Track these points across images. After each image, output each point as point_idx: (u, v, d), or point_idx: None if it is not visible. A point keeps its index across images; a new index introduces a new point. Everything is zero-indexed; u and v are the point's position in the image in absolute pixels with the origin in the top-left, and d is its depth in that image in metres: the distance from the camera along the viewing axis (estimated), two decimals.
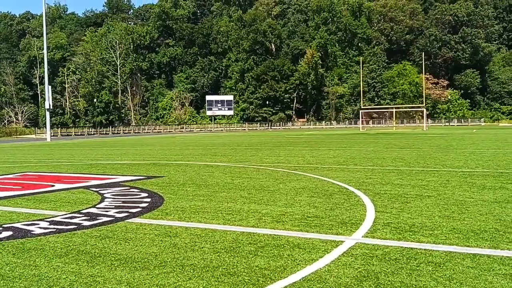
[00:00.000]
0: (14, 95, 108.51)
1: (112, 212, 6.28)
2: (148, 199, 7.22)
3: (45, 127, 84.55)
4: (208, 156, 16.63)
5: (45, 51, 39.37)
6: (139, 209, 6.42)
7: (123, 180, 9.80)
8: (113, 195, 7.73)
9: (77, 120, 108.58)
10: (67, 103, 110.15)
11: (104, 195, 7.73)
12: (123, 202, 7.04)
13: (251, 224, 5.43)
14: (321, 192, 7.72)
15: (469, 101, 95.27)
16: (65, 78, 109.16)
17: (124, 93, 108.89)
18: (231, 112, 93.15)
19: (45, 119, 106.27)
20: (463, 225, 5.26)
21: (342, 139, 30.31)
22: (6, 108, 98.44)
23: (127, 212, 6.25)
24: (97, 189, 8.40)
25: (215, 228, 5.25)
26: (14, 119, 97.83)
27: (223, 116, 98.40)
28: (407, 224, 5.36)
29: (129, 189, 8.40)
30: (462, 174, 9.85)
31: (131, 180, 9.71)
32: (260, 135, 45.67)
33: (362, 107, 71.00)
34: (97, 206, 6.77)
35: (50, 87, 39.19)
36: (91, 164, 14.15)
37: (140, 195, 7.68)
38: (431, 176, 9.61)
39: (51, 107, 39.30)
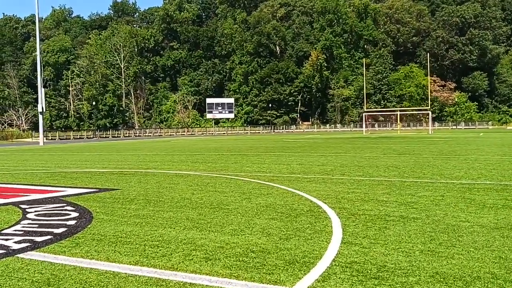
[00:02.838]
0: (18, 98, 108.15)
1: (12, 241, 5.02)
2: (72, 222, 5.95)
3: (47, 131, 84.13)
4: (188, 163, 15.37)
5: (38, 52, 38.37)
6: (48, 237, 5.15)
7: (69, 194, 8.54)
8: (37, 214, 6.48)
9: (81, 123, 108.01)
10: (71, 106, 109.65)
11: (27, 215, 6.47)
12: (40, 225, 5.78)
13: (171, 264, 4.14)
14: (287, 212, 6.42)
15: (477, 103, 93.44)
16: (69, 81, 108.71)
17: (128, 96, 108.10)
18: (231, 115, 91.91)
19: (47, 122, 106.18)
20: (450, 267, 3.94)
21: (341, 143, 28.93)
22: (9, 111, 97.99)
23: (31, 241, 4.99)
24: (27, 206, 7.15)
25: (118, 271, 3.96)
26: (18, 122, 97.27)
27: (227, 119, 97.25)
28: (377, 264, 4.05)
29: (64, 206, 7.15)
30: (461, 188, 8.50)
31: (78, 194, 8.45)
32: (259, 139, 44.37)
33: (365, 110, 69.41)
34: (3, 231, 5.52)
35: (43, 89, 38.16)
36: (54, 172, 12.94)
37: (69, 215, 6.41)
38: (424, 190, 8.27)
39: (44, 110, 38.25)
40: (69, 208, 6.98)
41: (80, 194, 8.49)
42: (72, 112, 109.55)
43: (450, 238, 4.90)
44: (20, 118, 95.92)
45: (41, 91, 37.65)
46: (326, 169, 12.40)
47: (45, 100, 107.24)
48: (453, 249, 4.50)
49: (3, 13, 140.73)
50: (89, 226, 5.74)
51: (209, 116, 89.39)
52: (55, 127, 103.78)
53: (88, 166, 14.77)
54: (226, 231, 5.37)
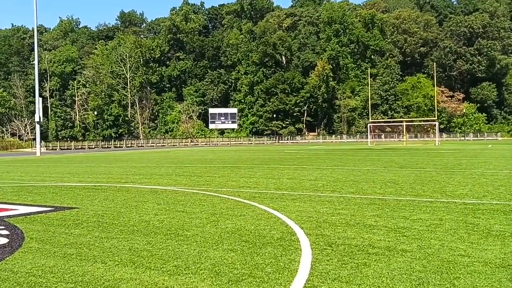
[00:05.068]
0: (24, 108, 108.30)
1: None
2: None
3: (52, 141, 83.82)
4: (172, 176, 14.38)
5: (36, 60, 37.81)
6: None
7: (19, 213, 7.59)
8: None
9: (86, 133, 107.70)
10: (77, 116, 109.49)
11: None
12: None
13: None
14: (252, 241, 5.40)
15: (486, 114, 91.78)
16: (75, 91, 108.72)
17: (134, 107, 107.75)
18: (235, 126, 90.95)
19: (53, 132, 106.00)
20: None
21: (342, 155, 27.82)
22: (15, 121, 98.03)
23: None
24: None
25: None
26: (23, 132, 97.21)
27: (232, 129, 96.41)
28: None
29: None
30: (463, 209, 7.43)
31: (28, 214, 7.49)
32: (261, 150, 43.35)
33: (371, 120, 68.22)
34: None
35: (41, 99, 37.46)
36: (23, 186, 12.01)
37: None
38: (421, 212, 7.22)
39: (41, 120, 37.56)
40: (3, 232, 6.02)
41: (31, 213, 7.52)
42: (78, 122, 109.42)
43: (443, 282, 3.86)
44: (25, 127, 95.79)
45: (38, 101, 36.97)
46: (317, 184, 11.37)
47: (51, 110, 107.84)
48: None
49: (12, 24, 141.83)
50: (8, 257, 4.77)
51: (211, 126, 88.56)
52: (60, 137, 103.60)
53: (65, 180, 13.84)
54: (167, 268, 4.37)
